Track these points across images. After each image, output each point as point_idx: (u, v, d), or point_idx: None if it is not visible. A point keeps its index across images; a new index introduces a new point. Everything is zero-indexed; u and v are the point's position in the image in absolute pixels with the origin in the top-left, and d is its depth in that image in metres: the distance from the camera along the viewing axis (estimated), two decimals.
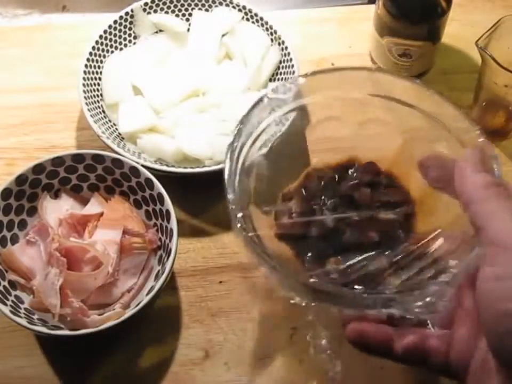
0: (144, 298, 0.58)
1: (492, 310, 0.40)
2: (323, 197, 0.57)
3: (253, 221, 0.52)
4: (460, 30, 0.84)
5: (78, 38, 0.82)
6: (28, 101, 0.78)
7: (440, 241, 0.51)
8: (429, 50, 0.78)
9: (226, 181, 0.51)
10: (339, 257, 0.54)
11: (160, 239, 0.64)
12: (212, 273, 0.67)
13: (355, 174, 0.58)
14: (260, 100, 0.56)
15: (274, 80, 0.77)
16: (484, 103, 0.76)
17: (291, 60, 0.75)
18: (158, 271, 0.63)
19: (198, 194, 0.71)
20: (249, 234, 0.49)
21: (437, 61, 0.82)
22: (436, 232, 0.52)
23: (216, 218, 0.70)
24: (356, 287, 0.50)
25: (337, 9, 0.88)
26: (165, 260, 0.61)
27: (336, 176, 0.58)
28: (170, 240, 0.62)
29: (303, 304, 0.48)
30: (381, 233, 0.55)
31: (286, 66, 0.76)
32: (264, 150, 0.56)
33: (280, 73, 0.77)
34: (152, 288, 0.60)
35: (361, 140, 0.59)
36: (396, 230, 0.56)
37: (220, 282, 0.67)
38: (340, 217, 0.55)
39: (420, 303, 0.46)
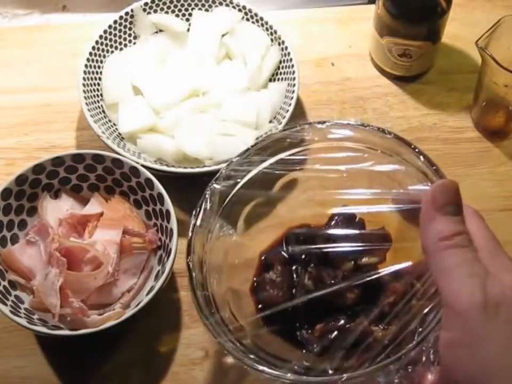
0: (144, 298, 0.58)
1: (445, 376, 0.39)
2: (304, 258, 0.57)
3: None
4: (460, 30, 0.84)
5: (78, 38, 0.82)
6: (27, 101, 0.78)
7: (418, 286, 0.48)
8: (429, 50, 0.78)
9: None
10: (325, 323, 0.54)
11: (160, 239, 0.64)
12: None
13: (330, 226, 0.57)
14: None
15: (274, 80, 0.77)
16: (483, 103, 0.76)
17: (291, 59, 0.75)
18: (158, 271, 0.63)
19: (198, 194, 0.71)
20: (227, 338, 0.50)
21: (437, 61, 0.82)
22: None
23: None
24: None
25: (337, 9, 0.88)
26: (165, 259, 0.61)
27: (311, 232, 0.58)
28: (170, 240, 0.62)
29: None
30: (361, 287, 0.54)
31: (286, 66, 0.76)
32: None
33: (280, 73, 0.77)
34: (152, 288, 0.60)
35: (328, 192, 0.58)
36: (376, 276, 0.54)
37: None
38: (316, 281, 0.55)
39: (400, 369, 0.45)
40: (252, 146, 0.57)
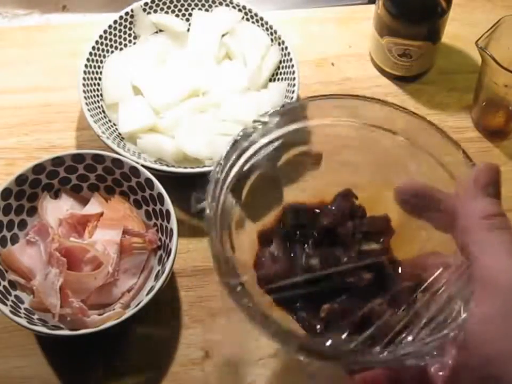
0: (144, 298, 0.58)
1: (476, 352, 0.39)
2: (304, 234, 0.55)
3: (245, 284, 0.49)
4: (460, 30, 0.84)
5: (78, 38, 0.82)
6: (27, 101, 0.78)
7: (438, 275, 0.47)
8: (429, 50, 0.78)
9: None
10: (335, 304, 0.51)
11: (160, 239, 0.64)
12: (212, 273, 0.67)
13: (333, 206, 0.55)
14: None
15: (274, 80, 0.77)
16: (483, 103, 0.76)
17: (291, 59, 0.75)
18: (158, 271, 0.63)
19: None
20: (249, 305, 0.47)
21: (437, 61, 0.82)
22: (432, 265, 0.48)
23: None
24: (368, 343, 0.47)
25: (337, 9, 0.88)
26: (165, 260, 0.61)
27: (314, 210, 0.55)
28: (170, 240, 0.62)
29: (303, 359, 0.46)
30: (372, 271, 0.52)
31: (286, 66, 0.76)
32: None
33: (280, 73, 0.77)
34: (152, 288, 0.60)
35: (334, 169, 0.56)
36: (384, 264, 0.53)
37: None
38: (327, 262, 0.53)
39: (431, 351, 0.43)
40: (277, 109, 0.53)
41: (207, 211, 0.49)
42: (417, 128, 0.53)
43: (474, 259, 0.40)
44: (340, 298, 0.51)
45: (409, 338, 0.45)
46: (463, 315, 0.42)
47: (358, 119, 0.54)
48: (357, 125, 0.54)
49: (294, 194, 0.57)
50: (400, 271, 0.52)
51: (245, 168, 0.53)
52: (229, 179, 0.51)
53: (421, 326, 0.45)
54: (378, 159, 0.55)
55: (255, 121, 0.53)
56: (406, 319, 0.47)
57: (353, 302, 0.51)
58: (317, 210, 0.55)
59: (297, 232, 0.55)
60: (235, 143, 0.52)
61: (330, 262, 0.53)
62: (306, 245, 0.54)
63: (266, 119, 0.53)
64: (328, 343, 0.46)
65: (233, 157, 0.52)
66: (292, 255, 0.54)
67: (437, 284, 0.46)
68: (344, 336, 0.48)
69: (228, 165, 0.51)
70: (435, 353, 0.43)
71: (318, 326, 0.51)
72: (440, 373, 0.43)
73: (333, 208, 0.55)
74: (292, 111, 0.55)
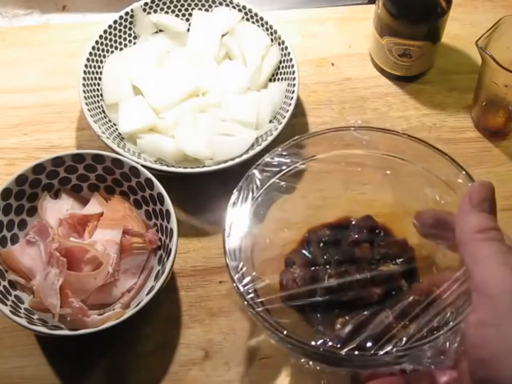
0: (144, 298, 0.58)
1: (471, 355, 0.41)
2: (325, 257, 0.58)
3: (257, 290, 0.53)
4: (460, 30, 0.84)
5: (78, 38, 0.82)
6: (27, 101, 0.78)
7: (446, 286, 0.50)
8: (429, 50, 0.78)
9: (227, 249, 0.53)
10: (346, 317, 0.54)
11: (160, 239, 0.64)
12: (211, 273, 0.67)
13: (353, 231, 0.59)
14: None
15: (274, 80, 0.77)
16: (483, 103, 0.76)
17: (291, 60, 0.75)
18: (158, 271, 0.63)
19: (198, 194, 0.71)
20: (259, 309, 0.50)
21: (437, 61, 0.82)
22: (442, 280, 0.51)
23: (216, 218, 0.70)
24: (368, 344, 0.50)
25: (337, 9, 0.88)
26: (165, 259, 0.61)
27: (335, 234, 0.59)
28: (170, 240, 0.62)
29: (317, 368, 0.49)
30: (384, 287, 0.56)
31: (286, 66, 0.76)
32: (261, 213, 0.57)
33: (280, 73, 0.77)
34: (152, 288, 0.60)
35: (353, 196, 0.60)
36: (398, 281, 0.57)
37: (220, 282, 0.66)
38: (343, 279, 0.56)
39: (430, 356, 0.46)
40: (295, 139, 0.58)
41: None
42: (427, 155, 0.56)
43: (470, 270, 0.43)
44: (354, 311, 0.55)
45: (404, 341, 0.48)
46: (459, 320, 0.45)
47: (375, 150, 0.58)
48: (376, 154, 0.58)
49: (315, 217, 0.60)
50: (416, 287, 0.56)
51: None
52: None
53: (416, 330, 0.48)
54: (395, 185, 0.58)
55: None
56: (402, 324, 0.50)
57: (365, 315, 0.54)
58: (339, 234, 0.59)
59: (319, 257, 0.58)
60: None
61: (346, 282, 0.56)
62: (327, 267, 0.57)
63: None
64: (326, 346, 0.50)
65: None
66: (312, 276, 0.57)
67: (440, 294, 0.49)
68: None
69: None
70: (435, 359, 0.45)
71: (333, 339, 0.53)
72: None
73: (355, 229, 0.59)
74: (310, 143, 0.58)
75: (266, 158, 0.57)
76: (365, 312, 0.54)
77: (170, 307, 0.65)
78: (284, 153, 0.58)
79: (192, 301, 0.66)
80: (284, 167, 0.58)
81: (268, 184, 0.57)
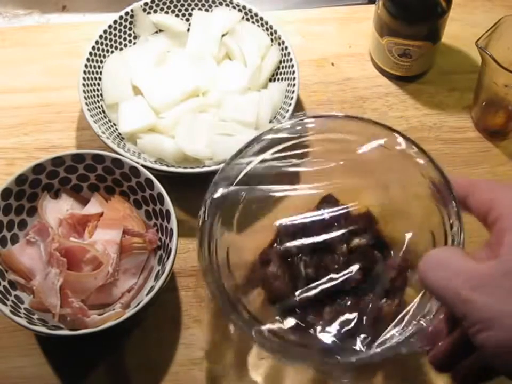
0: (144, 298, 0.58)
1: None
2: (299, 247, 0.59)
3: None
4: (460, 30, 0.84)
5: (78, 38, 0.82)
6: (27, 101, 0.78)
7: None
8: (429, 50, 0.78)
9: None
10: (334, 307, 0.56)
11: (160, 239, 0.64)
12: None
13: (318, 215, 0.60)
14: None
15: (274, 80, 0.77)
16: (483, 103, 0.76)
17: (291, 60, 0.75)
18: (158, 271, 0.63)
19: (198, 194, 0.71)
20: (255, 328, 0.51)
21: (437, 61, 0.82)
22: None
23: None
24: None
25: (337, 9, 0.88)
26: (165, 259, 0.61)
27: (303, 223, 0.60)
28: (170, 240, 0.62)
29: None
30: (361, 265, 0.57)
31: (286, 66, 0.76)
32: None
33: (280, 73, 0.77)
34: (152, 288, 0.60)
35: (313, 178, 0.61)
36: (372, 254, 0.59)
37: None
38: (320, 268, 0.58)
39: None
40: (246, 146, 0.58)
41: (202, 262, 0.54)
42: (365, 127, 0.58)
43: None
44: (339, 299, 0.56)
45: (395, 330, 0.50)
46: None
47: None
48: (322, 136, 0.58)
49: (280, 209, 0.60)
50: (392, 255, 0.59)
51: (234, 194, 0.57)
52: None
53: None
54: (347, 165, 0.59)
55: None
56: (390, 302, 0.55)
57: (350, 300, 0.57)
58: (306, 220, 0.60)
59: (293, 248, 0.60)
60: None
61: (324, 268, 0.58)
62: (302, 256, 0.59)
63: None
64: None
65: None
66: (290, 270, 0.59)
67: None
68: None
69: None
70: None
71: (324, 327, 0.55)
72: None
73: (321, 216, 0.59)
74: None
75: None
76: (349, 297, 0.56)
77: (170, 307, 0.65)
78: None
79: (192, 301, 0.66)
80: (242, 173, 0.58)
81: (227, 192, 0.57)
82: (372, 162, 0.57)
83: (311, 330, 0.55)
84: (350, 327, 0.54)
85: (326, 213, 0.59)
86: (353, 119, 0.57)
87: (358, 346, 0.51)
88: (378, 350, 0.49)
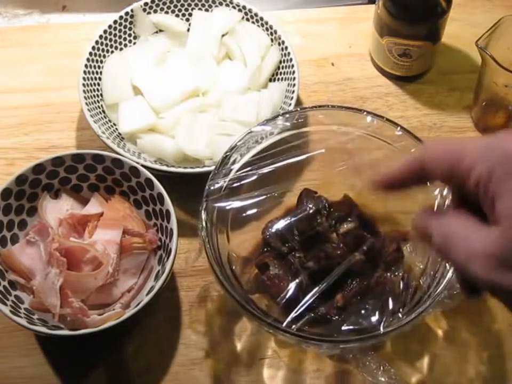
0: (144, 298, 0.58)
1: None
2: (287, 245, 0.61)
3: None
4: (460, 30, 0.84)
5: (78, 38, 0.82)
6: (27, 101, 0.78)
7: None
8: (429, 50, 0.78)
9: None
10: (344, 292, 0.58)
11: (160, 239, 0.64)
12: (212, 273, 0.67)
13: (301, 210, 0.61)
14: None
15: (274, 80, 0.77)
16: (483, 103, 0.76)
17: (291, 60, 0.75)
18: (158, 271, 0.63)
19: (198, 194, 0.71)
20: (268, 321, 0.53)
21: (437, 61, 0.82)
22: None
23: None
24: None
25: (337, 9, 0.88)
26: (165, 259, 0.61)
27: (289, 221, 0.61)
28: (170, 240, 0.62)
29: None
30: (355, 246, 0.59)
31: (286, 66, 0.76)
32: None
33: (280, 73, 0.77)
34: (152, 288, 0.60)
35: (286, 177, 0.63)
36: (362, 235, 0.61)
37: None
38: (319, 259, 0.59)
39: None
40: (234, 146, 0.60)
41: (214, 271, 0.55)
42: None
43: None
44: (347, 284, 0.58)
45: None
46: None
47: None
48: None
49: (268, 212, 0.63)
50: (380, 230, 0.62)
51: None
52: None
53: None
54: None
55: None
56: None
57: (359, 282, 0.58)
58: (291, 219, 0.61)
59: (285, 248, 0.61)
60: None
61: (325, 258, 0.59)
62: (296, 253, 0.60)
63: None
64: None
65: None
66: (289, 267, 0.60)
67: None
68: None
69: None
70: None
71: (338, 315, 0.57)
72: None
73: (304, 211, 0.61)
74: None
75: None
76: (355, 280, 0.58)
77: (170, 307, 0.65)
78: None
79: (192, 301, 0.66)
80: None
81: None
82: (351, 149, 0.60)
83: (328, 320, 0.57)
84: (367, 306, 0.55)
85: (308, 207, 0.61)
86: (323, 107, 0.61)
87: (390, 317, 0.53)
88: (412, 315, 0.51)
